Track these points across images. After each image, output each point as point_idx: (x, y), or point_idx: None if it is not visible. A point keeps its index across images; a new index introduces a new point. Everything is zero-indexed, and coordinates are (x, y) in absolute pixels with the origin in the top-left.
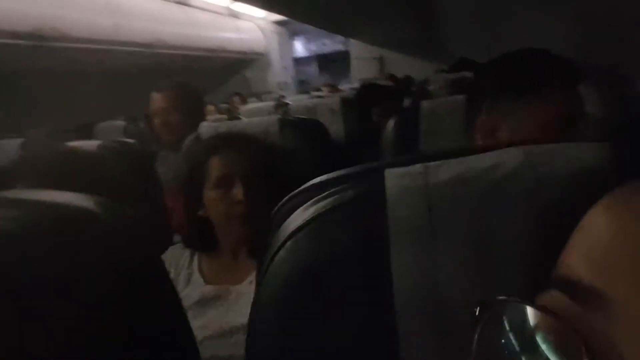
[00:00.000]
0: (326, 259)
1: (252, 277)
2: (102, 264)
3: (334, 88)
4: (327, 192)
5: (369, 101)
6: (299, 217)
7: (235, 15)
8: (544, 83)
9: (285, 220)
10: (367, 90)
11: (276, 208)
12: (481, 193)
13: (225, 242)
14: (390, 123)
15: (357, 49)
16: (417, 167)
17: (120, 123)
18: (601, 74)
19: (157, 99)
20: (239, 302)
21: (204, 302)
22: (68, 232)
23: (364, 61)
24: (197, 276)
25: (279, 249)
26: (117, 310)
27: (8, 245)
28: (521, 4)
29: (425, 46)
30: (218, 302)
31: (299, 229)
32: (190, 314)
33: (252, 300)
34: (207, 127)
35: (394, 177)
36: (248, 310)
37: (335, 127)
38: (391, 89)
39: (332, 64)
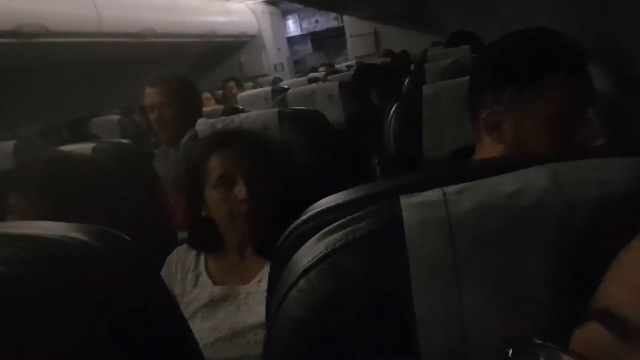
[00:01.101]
0: (344, 299)
1: (260, 275)
2: (102, 295)
3: (331, 67)
4: (338, 223)
5: (367, 83)
6: (309, 252)
7: None
8: (547, 71)
9: (294, 251)
10: (365, 71)
11: (282, 238)
12: (507, 223)
13: (231, 241)
14: (391, 108)
15: (351, 25)
16: (436, 194)
17: (115, 117)
18: (604, 51)
19: (151, 94)
20: (249, 302)
21: (213, 304)
22: (64, 269)
23: (359, 37)
24: (204, 277)
25: (291, 287)
26: (122, 337)
27: (3, 289)
28: None
29: (418, 19)
30: (227, 303)
31: (312, 266)
32: (199, 316)
33: (261, 299)
34: (204, 124)
35: (411, 207)
36: (258, 309)
37: (335, 112)
38: (389, 68)
39: (326, 42)
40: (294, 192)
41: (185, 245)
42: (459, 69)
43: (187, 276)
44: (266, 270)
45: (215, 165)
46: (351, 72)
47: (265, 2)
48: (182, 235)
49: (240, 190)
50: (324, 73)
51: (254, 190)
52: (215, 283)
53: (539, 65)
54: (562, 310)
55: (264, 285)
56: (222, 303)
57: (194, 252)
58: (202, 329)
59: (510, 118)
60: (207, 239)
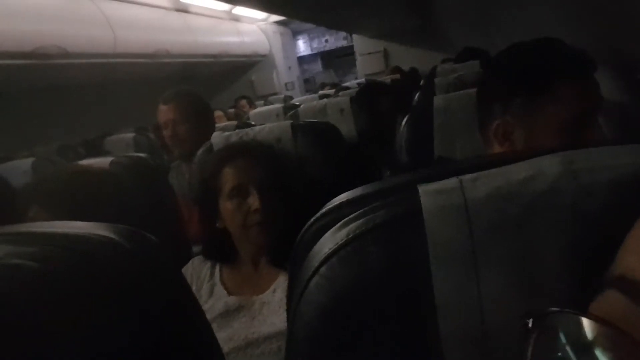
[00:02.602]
0: (365, 285)
1: (275, 285)
2: (128, 292)
3: (336, 86)
4: (358, 212)
5: (377, 98)
6: (330, 240)
7: (236, 18)
8: (556, 80)
9: (314, 242)
10: (369, 88)
11: (304, 229)
12: (522, 208)
13: (245, 252)
14: (403, 119)
15: (360, 44)
16: (452, 182)
17: (129, 135)
18: (611, 59)
19: (165, 111)
20: (263, 312)
21: (228, 314)
22: (90, 264)
23: (368, 56)
24: (219, 288)
25: (313, 274)
26: (146, 333)
27: (30, 283)
28: None
29: (427, 36)
30: (242, 313)
31: (333, 253)
32: (214, 326)
33: (275, 309)
34: (219, 137)
35: (429, 195)
36: (273, 319)
37: (346, 126)
38: (393, 85)
39: (336, 61)
40: (307, 202)
41: (200, 257)
42: (463, 84)
43: (203, 287)
44: (280, 280)
45: (229, 176)
46: None
47: (276, 22)
48: (197, 248)
49: (254, 201)
50: (332, 91)
51: (267, 201)
52: (230, 293)
53: (549, 74)
54: (579, 293)
55: (278, 295)
56: (237, 313)
57: (209, 263)
58: (217, 339)
59: (521, 127)
60: (221, 250)
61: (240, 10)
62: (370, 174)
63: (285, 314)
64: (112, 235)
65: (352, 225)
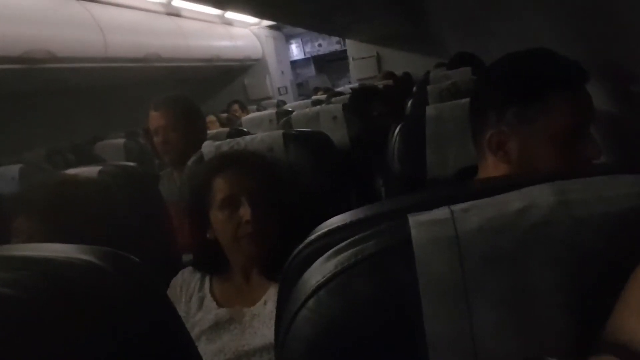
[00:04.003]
0: (354, 318)
1: (265, 297)
2: (111, 317)
3: (329, 91)
4: (347, 242)
5: (368, 105)
6: (318, 271)
7: (228, 22)
8: (550, 90)
9: (303, 269)
10: (361, 94)
11: (291, 257)
12: (515, 241)
13: (236, 263)
14: (395, 128)
15: (353, 48)
16: (443, 212)
17: (120, 141)
18: (604, 69)
19: (156, 117)
20: (254, 324)
21: (218, 326)
22: (71, 290)
23: (362, 60)
24: (209, 300)
25: (300, 307)
26: (130, 357)
27: (6, 312)
28: None
29: (420, 41)
30: (232, 325)
31: (321, 285)
32: (204, 339)
33: (266, 321)
34: (210, 146)
35: (420, 226)
36: (263, 331)
37: (339, 134)
38: (386, 90)
39: (329, 65)
40: (299, 213)
41: (190, 268)
42: (457, 91)
43: (192, 299)
44: (271, 292)
45: (220, 187)
46: None
47: (269, 27)
48: (187, 258)
49: (245, 212)
50: (325, 96)
51: (258, 212)
52: (220, 305)
53: (542, 83)
54: (574, 329)
55: (269, 307)
56: (227, 325)
57: (198, 275)
58: (207, 352)
59: (515, 137)
60: (212, 261)
61: (233, 15)
62: (363, 182)
63: None
64: (93, 259)
65: (341, 257)
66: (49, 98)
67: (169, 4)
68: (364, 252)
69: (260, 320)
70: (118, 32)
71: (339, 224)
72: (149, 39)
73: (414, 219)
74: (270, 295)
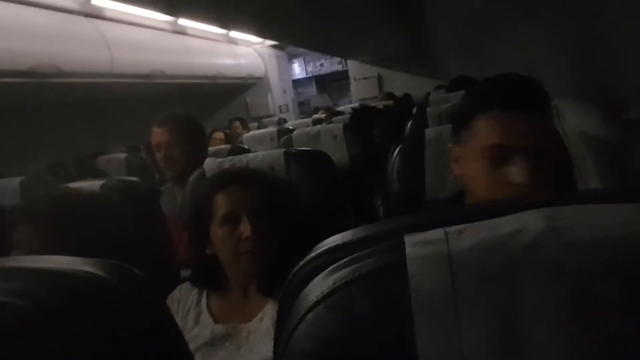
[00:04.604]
0: (350, 334)
1: (263, 314)
2: (114, 328)
3: (330, 110)
4: (347, 259)
5: (368, 125)
6: (318, 287)
7: (233, 41)
8: (474, 114)
9: (303, 285)
10: (362, 113)
11: (293, 272)
12: (505, 262)
13: (234, 279)
14: (395, 149)
15: (355, 69)
16: (438, 233)
17: (121, 155)
18: (601, 95)
19: (158, 134)
20: (250, 341)
21: (214, 342)
22: (76, 302)
23: (363, 80)
24: (206, 315)
25: (300, 321)
26: None
27: (15, 322)
28: (513, 19)
29: (421, 63)
30: (228, 341)
31: (319, 301)
32: (200, 355)
33: (262, 338)
34: (212, 163)
35: (415, 245)
36: (259, 348)
37: (339, 153)
38: (386, 110)
39: (330, 84)
40: (298, 231)
41: (187, 283)
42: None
43: (189, 314)
44: (268, 308)
45: (220, 203)
46: None
47: (272, 46)
48: (185, 273)
49: (245, 228)
50: (325, 115)
51: (258, 229)
52: (216, 321)
53: (471, 105)
54: (561, 351)
55: (265, 323)
56: (224, 342)
57: (196, 290)
58: None
59: (459, 155)
60: (210, 277)
61: (237, 34)
62: (362, 202)
63: (271, 344)
64: (98, 272)
65: (340, 273)
66: (52, 112)
67: (175, 22)
68: (362, 270)
69: (256, 337)
70: (125, 48)
71: (339, 243)
72: (154, 55)
73: (409, 239)
74: (267, 311)
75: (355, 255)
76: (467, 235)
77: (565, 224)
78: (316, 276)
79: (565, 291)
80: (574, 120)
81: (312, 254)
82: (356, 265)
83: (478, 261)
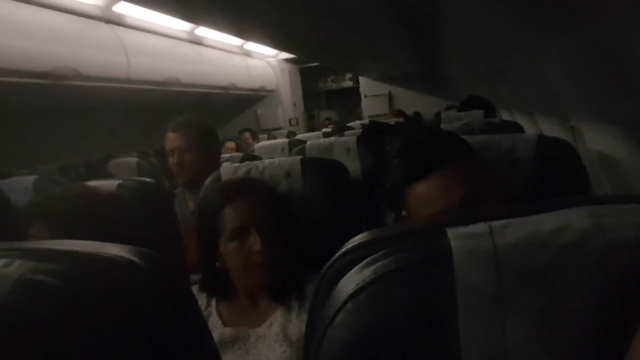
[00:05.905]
0: (391, 324)
1: (272, 319)
2: (144, 310)
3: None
4: (384, 251)
5: (380, 139)
6: (357, 277)
7: (247, 53)
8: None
9: (337, 279)
10: (373, 129)
11: (328, 264)
12: (550, 258)
13: (243, 289)
14: None
15: (365, 85)
16: (482, 227)
17: (132, 160)
18: (614, 113)
19: (172, 139)
20: (258, 346)
21: (222, 346)
22: (113, 284)
23: (373, 97)
24: (215, 318)
25: (339, 310)
26: (157, 350)
27: (53, 300)
28: (523, 38)
29: (432, 82)
30: (237, 345)
31: (360, 289)
32: None
33: (271, 343)
34: (229, 168)
35: (459, 238)
36: (267, 354)
37: (352, 165)
38: (398, 127)
39: (340, 100)
40: (309, 240)
41: (196, 287)
42: (470, 131)
43: None
44: (277, 314)
45: (230, 218)
46: None
47: (285, 60)
48: (195, 277)
49: (255, 242)
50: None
51: (269, 242)
52: (225, 325)
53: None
54: (603, 346)
55: (274, 329)
56: (232, 345)
57: (205, 294)
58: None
59: None
60: (219, 286)
61: (251, 46)
62: (373, 213)
63: (280, 350)
64: (130, 256)
65: (378, 265)
66: (66, 114)
67: (192, 32)
68: (402, 261)
69: (265, 342)
70: (142, 55)
71: (373, 237)
72: (170, 63)
73: (453, 232)
74: (277, 317)
75: (393, 247)
76: (512, 231)
77: (610, 222)
78: (352, 268)
79: (608, 288)
80: (592, 141)
81: (349, 246)
82: (396, 256)
83: (524, 257)
